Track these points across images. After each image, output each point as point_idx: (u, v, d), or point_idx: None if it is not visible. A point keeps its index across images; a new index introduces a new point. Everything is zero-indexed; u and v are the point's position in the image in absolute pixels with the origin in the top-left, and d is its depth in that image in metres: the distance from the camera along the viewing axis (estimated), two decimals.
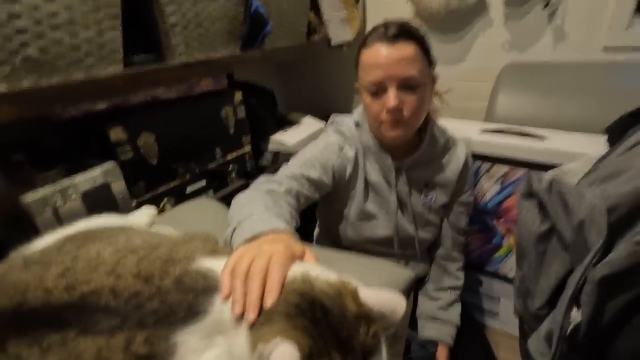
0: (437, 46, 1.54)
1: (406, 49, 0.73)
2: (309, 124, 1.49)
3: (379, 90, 0.76)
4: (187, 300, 0.38)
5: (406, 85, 0.74)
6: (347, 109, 1.88)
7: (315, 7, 1.40)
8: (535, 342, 0.36)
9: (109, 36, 0.76)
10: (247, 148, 1.23)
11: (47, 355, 0.38)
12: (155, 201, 0.96)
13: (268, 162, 1.33)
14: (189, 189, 1.05)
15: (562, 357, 0.33)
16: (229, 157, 1.16)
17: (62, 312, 0.39)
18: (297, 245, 0.45)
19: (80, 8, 0.69)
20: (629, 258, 0.31)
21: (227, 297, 0.37)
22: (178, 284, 0.39)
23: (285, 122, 1.53)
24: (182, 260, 0.42)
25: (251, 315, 0.34)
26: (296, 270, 0.38)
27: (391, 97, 0.74)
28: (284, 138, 1.32)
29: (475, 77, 1.51)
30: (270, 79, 1.81)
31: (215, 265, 0.41)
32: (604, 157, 0.48)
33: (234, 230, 0.53)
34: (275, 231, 0.49)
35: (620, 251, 0.31)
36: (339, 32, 1.46)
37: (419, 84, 0.75)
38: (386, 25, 0.76)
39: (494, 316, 1.14)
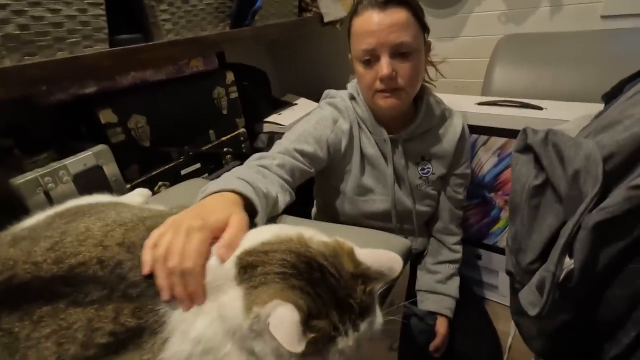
0: (432, 20, 1.51)
1: (398, 15, 0.72)
2: (304, 106, 1.47)
3: (371, 59, 0.74)
4: None
5: (399, 53, 0.73)
6: (342, 89, 1.86)
7: None
8: (527, 294, 0.36)
9: (92, 13, 0.74)
10: (242, 130, 1.21)
11: (38, 327, 0.38)
12: (149, 184, 0.95)
13: (263, 144, 1.32)
14: (184, 171, 1.04)
15: (553, 305, 0.33)
16: (223, 139, 1.15)
17: (51, 285, 0.39)
18: (216, 218, 0.42)
19: None
20: (624, 203, 0.30)
21: (147, 273, 0.37)
22: None
23: (279, 104, 1.51)
24: None
25: (185, 308, 0.36)
26: (290, 230, 0.37)
27: (384, 65, 0.72)
28: (280, 119, 1.31)
29: (472, 51, 1.48)
30: (263, 61, 1.78)
31: None
32: (600, 114, 0.47)
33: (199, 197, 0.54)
34: (222, 192, 0.50)
35: (616, 197, 0.30)
36: (331, 9, 1.43)
37: (412, 51, 0.73)
38: None
39: (493, 289, 1.14)
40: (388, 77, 0.73)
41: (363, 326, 0.32)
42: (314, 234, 0.37)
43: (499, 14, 1.39)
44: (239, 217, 0.44)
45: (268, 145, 1.31)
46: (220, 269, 0.36)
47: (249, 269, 0.34)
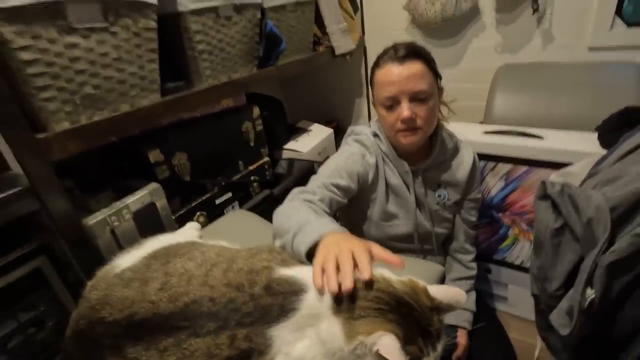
0: (434, 50, 1.61)
1: (415, 67, 0.83)
2: (318, 132, 1.57)
3: (393, 104, 0.85)
4: (278, 302, 0.46)
5: (417, 98, 0.83)
6: (349, 114, 1.97)
7: (318, 20, 1.48)
8: (558, 317, 0.45)
9: (148, 68, 0.83)
10: (266, 158, 1.30)
11: (164, 356, 0.46)
12: (190, 214, 1.03)
13: (284, 170, 1.41)
14: (218, 201, 1.12)
15: (580, 326, 0.42)
16: (250, 168, 1.24)
17: (171, 320, 0.47)
18: (365, 241, 0.52)
19: (125, 46, 0.76)
20: (629, 247, 0.40)
21: (320, 289, 0.45)
22: (267, 290, 0.47)
23: (294, 130, 1.61)
24: (263, 271, 0.50)
25: (348, 283, 0.42)
26: (374, 272, 0.46)
27: (405, 109, 0.83)
28: (298, 146, 1.40)
29: (471, 78, 1.60)
30: (275, 89, 1.88)
31: (292, 272, 0.50)
32: (601, 161, 0.57)
33: (293, 235, 0.61)
34: (335, 232, 0.57)
35: (622, 242, 0.40)
36: (342, 42, 1.54)
37: (428, 96, 0.84)
38: (395, 47, 0.86)
39: (503, 300, 1.24)
40: (409, 119, 0.83)
41: (439, 348, 0.41)
42: (389, 273, 0.46)
43: (495, 44, 1.52)
44: (376, 245, 0.52)
45: (288, 171, 1.40)
46: (317, 299, 0.45)
47: (344, 301, 0.43)
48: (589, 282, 0.42)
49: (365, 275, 0.43)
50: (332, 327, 0.42)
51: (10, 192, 0.62)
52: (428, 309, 0.42)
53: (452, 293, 0.44)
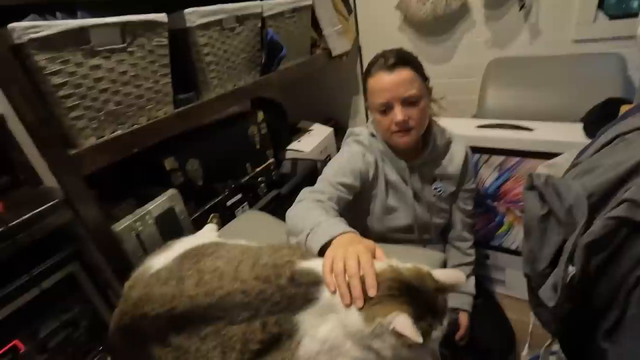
0: (427, 47, 1.70)
1: (404, 74, 0.89)
2: (319, 131, 1.63)
3: (387, 109, 0.92)
4: (301, 292, 0.52)
5: (409, 102, 0.90)
6: (346, 111, 2.03)
7: (314, 23, 1.53)
8: (545, 291, 0.52)
9: (162, 82, 0.89)
10: (271, 159, 1.36)
11: (205, 342, 0.53)
12: (204, 216, 1.09)
13: (288, 170, 1.47)
14: (228, 203, 1.19)
15: (564, 299, 0.50)
16: (257, 170, 1.30)
17: (209, 311, 0.54)
18: (369, 242, 0.60)
19: (141, 64, 0.82)
20: (603, 229, 0.46)
21: (334, 292, 0.51)
22: (292, 282, 0.53)
23: (295, 131, 1.67)
24: (286, 264, 0.57)
25: (359, 303, 0.49)
26: (382, 263, 0.53)
27: (398, 113, 0.89)
28: (301, 146, 1.47)
29: (463, 73, 1.67)
30: (274, 91, 1.93)
31: (311, 265, 0.56)
32: (582, 152, 0.64)
33: (307, 234, 0.68)
34: (345, 233, 0.64)
35: (597, 225, 0.47)
36: (338, 44, 1.60)
37: (418, 99, 0.91)
38: (384, 55, 0.92)
39: (500, 283, 1.32)
40: (402, 122, 0.90)
41: (444, 322, 0.48)
42: (396, 262, 0.53)
43: (485, 40, 1.58)
44: (379, 246, 0.59)
45: (292, 171, 1.46)
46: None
47: None
48: (570, 260, 0.49)
49: (371, 293, 0.49)
50: (351, 314, 0.49)
51: (49, 204, 0.68)
52: (433, 290, 0.49)
53: (453, 275, 0.51)
